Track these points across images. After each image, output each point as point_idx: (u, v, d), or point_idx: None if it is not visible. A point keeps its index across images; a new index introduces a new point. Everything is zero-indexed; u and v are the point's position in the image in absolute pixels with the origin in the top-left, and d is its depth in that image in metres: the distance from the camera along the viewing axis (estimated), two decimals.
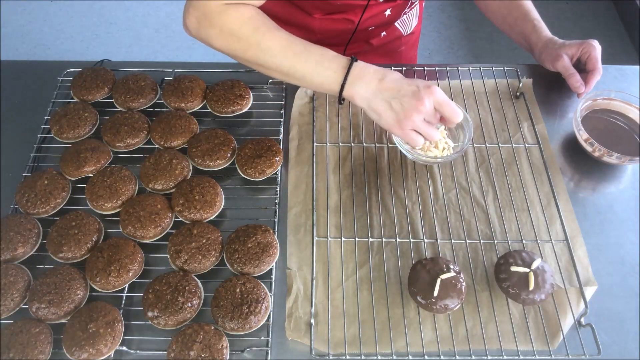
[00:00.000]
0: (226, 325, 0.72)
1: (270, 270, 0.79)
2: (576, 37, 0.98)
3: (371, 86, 0.73)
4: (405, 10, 1.08)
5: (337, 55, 0.78)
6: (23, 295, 0.75)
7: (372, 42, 1.12)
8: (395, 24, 1.11)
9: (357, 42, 1.11)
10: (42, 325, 0.72)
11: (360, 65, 0.76)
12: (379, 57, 1.17)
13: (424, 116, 0.75)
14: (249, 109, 0.96)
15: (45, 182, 0.85)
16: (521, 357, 0.72)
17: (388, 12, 1.03)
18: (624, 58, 2.42)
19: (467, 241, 0.82)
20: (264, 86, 1.01)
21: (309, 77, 0.77)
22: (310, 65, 0.76)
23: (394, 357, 0.72)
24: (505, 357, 0.72)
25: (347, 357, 0.72)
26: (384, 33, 1.12)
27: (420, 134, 0.77)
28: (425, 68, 1.04)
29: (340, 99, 0.77)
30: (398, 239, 0.82)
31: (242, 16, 0.79)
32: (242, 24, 0.78)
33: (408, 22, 1.14)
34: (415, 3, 1.10)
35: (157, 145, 0.92)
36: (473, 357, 0.72)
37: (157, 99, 0.98)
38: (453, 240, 0.82)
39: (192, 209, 0.82)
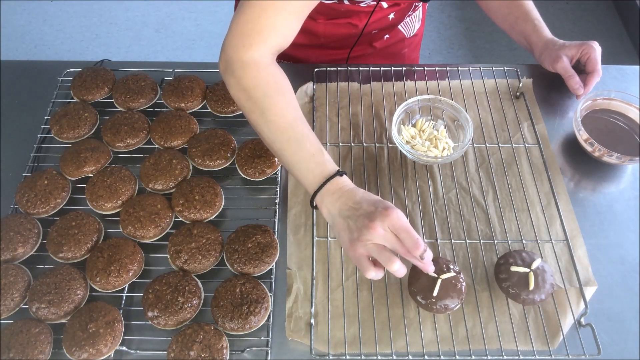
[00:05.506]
0: (226, 325, 0.72)
1: (270, 270, 0.79)
2: (576, 37, 0.98)
3: (337, 204, 0.68)
4: (409, 13, 1.08)
5: (327, 161, 0.72)
6: (23, 295, 0.75)
7: (375, 45, 1.12)
8: (399, 26, 1.11)
9: (361, 45, 1.11)
10: (42, 325, 0.72)
11: (339, 182, 0.70)
12: (382, 59, 1.17)
13: (380, 240, 0.65)
14: None
15: (45, 182, 0.85)
16: (521, 357, 0.72)
17: (392, 15, 1.03)
18: (624, 58, 2.42)
19: (467, 241, 0.82)
20: None
21: (291, 168, 0.74)
22: (297, 159, 0.73)
23: (394, 357, 0.72)
24: (505, 357, 0.72)
25: (347, 357, 0.72)
26: (387, 36, 1.12)
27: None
28: (426, 68, 1.04)
29: (312, 204, 0.73)
30: None
31: (259, 77, 0.76)
32: (256, 86, 0.75)
33: (411, 25, 1.14)
34: (419, 6, 1.10)
35: (157, 145, 0.92)
36: (473, 357, 0.72)
37: (157, 99, 0.98)
38: (453, 240, 0.82)
39: (192, 209, 0.82)
